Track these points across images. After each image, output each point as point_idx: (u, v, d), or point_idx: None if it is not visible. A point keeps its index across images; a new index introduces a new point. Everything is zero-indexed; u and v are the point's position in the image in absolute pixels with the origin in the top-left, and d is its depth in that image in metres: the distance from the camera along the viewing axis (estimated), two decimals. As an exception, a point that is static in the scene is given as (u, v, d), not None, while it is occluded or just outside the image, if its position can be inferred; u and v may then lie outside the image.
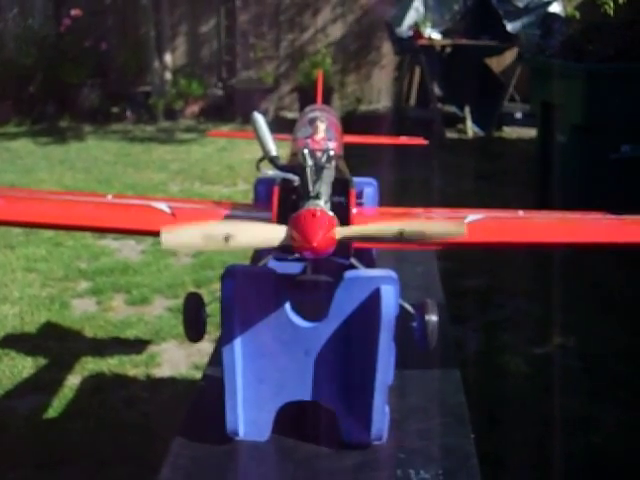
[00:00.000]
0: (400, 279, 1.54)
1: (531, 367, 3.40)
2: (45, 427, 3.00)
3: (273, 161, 1.19)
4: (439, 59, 8.52)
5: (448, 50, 8.59)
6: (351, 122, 8.84)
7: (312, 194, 1.10)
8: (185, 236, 1.04)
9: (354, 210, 1.17)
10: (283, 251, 1.15)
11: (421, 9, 8.07)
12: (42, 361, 3.52)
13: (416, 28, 8.01)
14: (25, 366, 3.48)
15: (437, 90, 8.60)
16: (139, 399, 3.21)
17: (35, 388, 3.31)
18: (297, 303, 1.29)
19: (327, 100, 9.15)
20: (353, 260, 1.29)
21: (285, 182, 1.15)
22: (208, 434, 1.36)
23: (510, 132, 8.57)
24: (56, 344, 3.70)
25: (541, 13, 7.40)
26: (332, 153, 1.18)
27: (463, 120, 8.53)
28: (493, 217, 1.47)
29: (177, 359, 3.51)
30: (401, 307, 1.36)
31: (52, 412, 3.10)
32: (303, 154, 1.09)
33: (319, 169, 1.13)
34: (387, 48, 9.43)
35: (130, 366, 3.47)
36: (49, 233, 5.09)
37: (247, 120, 9.08)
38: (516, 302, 4.11)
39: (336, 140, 1.58)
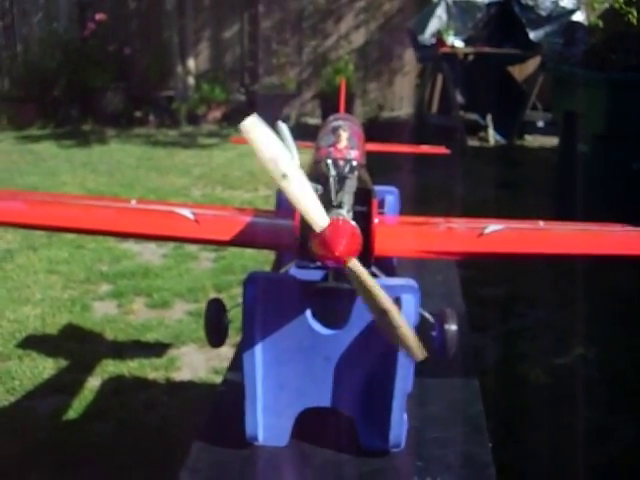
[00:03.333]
0: (420, 288, 1.55)
1: (550, 377, 3.39)
2: (65, 428, 3.02)
3: (298, 170, 1.20)
4: (461, 67, 8.51)
5: (470, 58, 8.59)
6: (373, 129, 8.88)
7: (335, 203, 1.11)
8: (263, 138, 1.05)
9: (375, 220, 1.18)
10: (304, 258, 1.16)
11: (444, 17, 8.07)
12: (63, 362, 3.55)
13: (439, 36, 8.01)
14: (46, 367, 3.51)
15: (459, 98, 8.59)
16: (159, 402, 3.23)
17: (56, 389, 3.33)
18: (318, 310, 1.31)
19: (349, 107, 9.16)
20: (374, 269, 1.31)
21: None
22: (227, 439, 1.37)
23: (532, 140, 8.55)
24: (77, 346, 3.73)
25: (564, 22, 7.39)
26: (355, 163, 1.19)
27: (485, 128, 8.51)
28: (513, 228, 1.47)
29: (197, 363, 3.53)
30: (421, 316, 1.37)
31: (72, 413, 3.12)
32: (327, 164, 1.10)
33: (342, 179, 1.15)
34: (409, 55, 9.43)
35: (150, 369, 3.49)
36: (71, 236, 5.12)
37: (270, 125, 9.14)
38: (536, 312, 4.10)
39: (359, 149, 1.59)
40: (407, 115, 9.53)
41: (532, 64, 8.56)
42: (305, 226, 1.07)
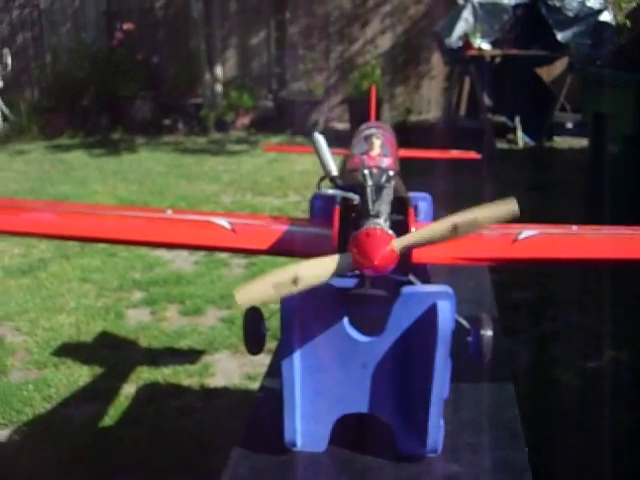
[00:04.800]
0: (456, 293, 1.55)
1: (582, 380, 3.38)
2: (101, 435, 3.06)
3: (334, 180, 1.23)
4: (489, 69, 8.49)
5: (498, 60, 8.56)
6: (401, 133, 8.87)
7: (372, 213, 1.13)
8: (257, 290, 1.08)
9: (413, 228, 1.20)
10: (350, 273, 1.18)
11: (470, 20, 8.06)
12: (98, 370, 3.59)
13: (466, 39, 8.00)
14: (81, 375, 3.56)
15: (487, 100, 8.58)
16: (193, 409, 3.26)
17: (91, 397, 3.38)
18: (355, 317, 1.32)
19: (377, 111, 9.18)
20: (411, 276, 1.32)
21: (345, 201, 1.19)
22: (266, 445, 1.39)
23: (561, 142, 8.51)
24: (111, 353, 3.77)
25: (591, 22, 7.36)
26: (391, 173, 1.21)
27: (513, 130, 8.50)
28: (547, 233, 1.48)
29: (230, 369, 3.56)
30: (457, 322, 1.39)
31: (108, 420, 3.16)
32: (363, 174, 1.12)
33: (379, 189, 1.17)
34: (436, 59, 9.44)
35: (184, 376, 3.52)
36: (103, 244, 5.18)
37: (297, 131, 9.26)
38: (568, 315, 4.09)
39: (391, 156, 1.61)
40: (435, 118, 9.53)
41: (560, 65, 8.52)
42: (343, 236, 1.09)
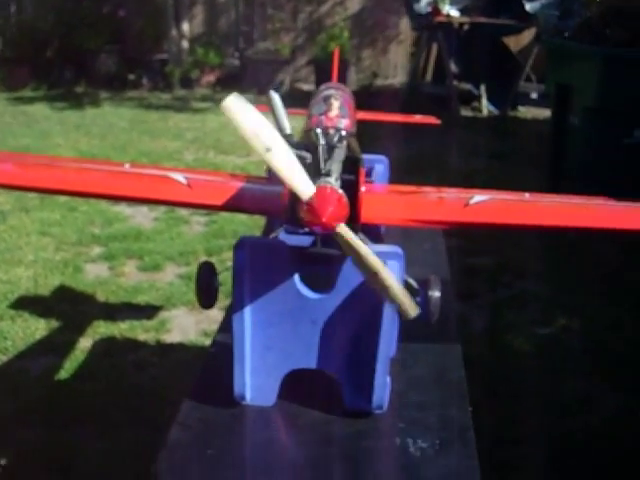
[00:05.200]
0: (407, 255, 1.58)
1: (534, 347, 3.45)
2: (57, 388, 3.07)
3: (287, 139, 1.24)
4: (457, 36, 8.49)
5: (466, 28, 8.57)
6: (367, 96, 8.87)
7: (323, 172, 1.14)
8: (245, 114, 1.07)
9: (362, 188, 1.22)
10: (293, 224, 1.20)
11: (440, -14, 8.06)
12: (55, 324, 3.59)
13: (434, 5, 8.00)
14: (38, 328, 3.55)
15: (453, 67, 8.58)
16: (149, 363, 3.28)
17: (47, 350, 3.38)
18: (306, 275, 1.35)
19: (343, 74, 9.14)
20: (361, 236, 1.34)
21: (298, 159, 1.20)
22: (216, 398, 1.42)
23: (525, 112, 8.55)
24: (69, 307, 3.77)
25: (560, -7, 7.38)
26: (344, 133, 1.22)
27: (479, 98, 8.52)
28: (499, 199, 1.51)
29: (187, 325, 3.58)
30: (406, 282, 1.41)
31: (64, 374, 3.17)
32: (316, 133, 1.14)
33: (331, 148, 1.18)
34: (405, 24, 9.41)
35: (141, 331, 3.54)
36: (63, 198, 5.14)
37: (263, 91, 9.18)
38: (523, 282, 4.15)
39: (350, 117, 1.62)
40: (401, 83, 9.51)
41: (528, 35, 8.53)
42: (294, 193, 1.10)
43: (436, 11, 8.00)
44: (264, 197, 1.40)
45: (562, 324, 3.68)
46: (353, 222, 1.18)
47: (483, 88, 8.41)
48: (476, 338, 3.45)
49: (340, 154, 1.20)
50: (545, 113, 7.45)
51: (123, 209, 5.13)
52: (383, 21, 9.75)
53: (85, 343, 3.42)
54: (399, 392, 1.46)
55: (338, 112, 1.55)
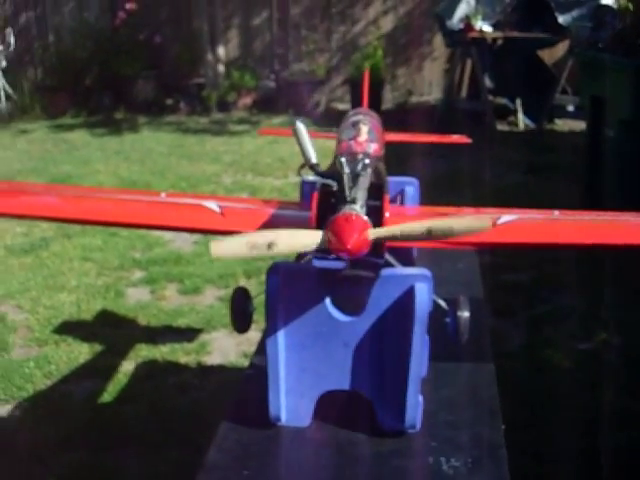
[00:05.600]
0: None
1: (573, 362, 3.44)
2: (100, 411, 3.13)
3: (313, 168, 1.28)
4: (490, 51, 8.51)
5: (499, 42, 8.58)
6: (402, 114, 8.90)
7: (349, 199, 1.18)
8: (232, 246, 1.12)
9: (387, 214, 1.25)
10: (321, 253, 1.23)
11: (472, 2, 8.06)
12: (97, 347, 3.66)
13: (467, 21, 8.01)
14: (81, 352, 3.62)
15: (488, 82, 8.58)
16: (190, 386, 3.33)
17: (91, 373, 3.45)
18: (337, 298, 1.38)
19: (378, 92, 9.20)
20: (389, 258, 1.37)
21: (324, 187, 1.24)
22: (253, 419, 1.45)
23: (562, 125, 8.53)
24: (111, 331, 3.84)
25: (593, 5, 7.34)
26: (368, 161, 1.26)
27: (514, 112, 8.51)
28: (526, 218, 1.53)
29: (227, 347, 3.63)
30: (436, 303, 1.44)
31: (107, 397, 3.24)
32: (340, 162, 1.17)
33: (355, 176, 1.22)
34: (438, 40, 9.43)
35: (182, 353, 3.59)
36: (104, 224, 5.21)
37: (299, 112, 9.27)
38: (561, 297, 4.13)
39: (378, 142, 1.66)
40: (436, 100, 9.53)
41: (562, 48, 8.53)
42: (321, 219, 1.14)
43: (469, 27, 8.02)
44: (293, 223, 1.44)
45: (601, 339, 3.66)
46: (379, 247, 1.21)
47: (519, 102, 8.41)
48: (514, 354, 3.45)
49: (365, 181, 1.24)
50: (582, 125, 7.40)
51: (163, 234, 5.20)
52: (416, 38, 9.79)
53: (127, 366, 3.48)
54: (431, 411, 1.48)
55: (367, 137, 1.59)
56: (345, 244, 1.10)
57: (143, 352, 3.61)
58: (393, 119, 8.41)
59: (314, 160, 1.29)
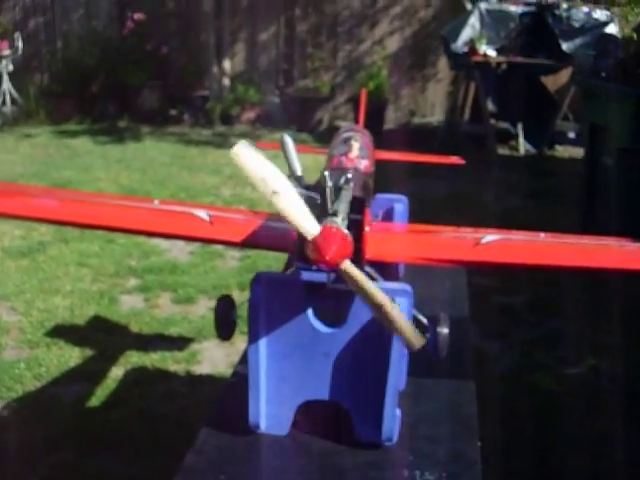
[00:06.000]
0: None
1: (562, 386, 3.45)
2: (88, 415, 3.15)
3: (298, 180, 1.31)
4: (494, 76, 8.55)
5: (503, 67, 8.63)
6: (404, 134, 8.94)
7: (330, 211, 1.21)
8: (252, 159, 1.14)
9: (367, 228, 1.28)
10: (301, 261, 1.26)
11: (477, 26, 8.11)
12: (88, 352, 3.69)
13: (471, 44, 8.06)
14: (72, 356, 3.65)
15: (491, 106, 8.63)
16: (178, 393, 3.36)
17: (81, 377, 3.47)
18: (319, 309, 1.41)
19: (381, 112, 9.25)
20: (371, 271, 1.40)
21: (308, 199, 1.27)
22: (233, 426, 1.48)
23: (562, 151, 8.56)
24: (103, 337, 3.87)
25: (597, 34, 7.40)
26: (350, 176, 1.29)
27: (516, 137, 8.55)
28: (510, 239, 1.55)
29: (217, 358, 3.65)
30: (415, 318, 1.46)
31: (95, 401, 3.26)
32: (324, 176, 1.20)
33: (337, 190, 1.25)
34: (443, 62, 9.48)
35: (172, 362, 3.61)
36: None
37: (302, 128, 9.32)
38: (553, 321, 4.16)
39: (369, 159, 1.70)
40: (439, 122, 9.56)
41: (566, 75, 8.57)
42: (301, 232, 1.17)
43: (473, 51, 8.06)
44: (278, 235, 1.46)
45: (591, 364, 3.68)
46: (358, 260, 1.24)
47: (520, 127, 8.44)
48: (503, 377, 3.47)
49: (347, 195, 1.26)
50: (582, 152, 7.46)
51: (160, 242, 5.23)
52: (421, 60, 9.85)
53: (117, 372, 3.50)
54: (411, 425, 1.50)
55: (358, 153, 1.63)
56: (324, 255, 1.12)
57: (133, 359, 3.63)
58: (395, 139, 8.48)
59: (299, 173, 1.32)
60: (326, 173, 1.17)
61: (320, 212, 1.18)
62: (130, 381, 3.43)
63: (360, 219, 1.27)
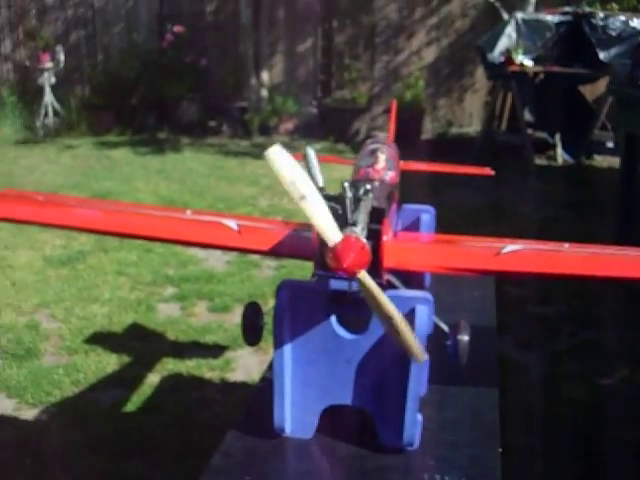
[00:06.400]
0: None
1: (593, 397, 3.44)
2: (123, 420, 3.22)
3: (319, 191, 1.36)
4: (531, 85, 8.52)
5: (540, 77, 8.60)
6: (441, 145, 8.96)
7: (350, 221, 1.25)
8: (285, 164, 1.20)
9: (385, 237, 1.32)
10: (321, 269, 1.31)
11: (513, 35, 8.09)
12: (126, 359, 3.76)
13: (508, 54, 8.04)
14: (109, 362, 3.73)
15: (528, 116, 8.60)
16: (213, 400, 3.41)
17: (117, 383, 3.55)
18: (343, 316, 1.45)
19: (418, 122, 9.27)
20: (393, 279, 1.44)
21: (330, 210, 1.31)
22: (259, 429, 1.52)
23: (601, 161, 8.49)
24: (140, 344, 3.94)
25: (634, 42, 7.35)
26: (368, 187, 1.33)
27: (553, 147, 8.51)
28: (532, 249, 1.58)
29: (251, 365, 3.70)
30: (437, 326, 1.50)
31: (131, 406, 3.33)
32: (344, 187, 1.25)
33: (357, 200, 1.29)
34: (480, 73, 9.47)
35: (207, 369, 3.68)
36: (141, 240, 5.34)
37: (340, 139, 9.38)
38: (586, 331, 4.14)
39: (395, 170, 1.74)
40: (476, 132, 9.54)
41: (603, 84, 8.50)
42: (322, 240, 1.21)
43: (509, 61, 8.04)
44: (301, 243, 1.51)
45: (623, 375, 3.66)
46: (376, 268, 1.28)
47: (558, 137, 8.40)
48: (533, 386, 3.47)
49: (366, 206, 1.31)
50: (620, 162, 7.41)
51: (197, 252, 5.30)
52: (458, 70, 9.84)
53: (153, 378, 3.57)
54: (433, 431, 1.54)
55: (384, 165, 1.67)
56: (342, 263, 1.17)
57: (169, 366, 3.69)
58: (432, 149, 8.50)
59: (320, 184, 1.37)
60: (346, 184, 1.21)
61: (341, 222, 1.23)
62: (166, 388, 3.50)
63: (379, 229, 1.31)
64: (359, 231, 1.23)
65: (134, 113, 10.08)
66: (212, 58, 10.26)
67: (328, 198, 1.27)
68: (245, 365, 3.71)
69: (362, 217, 1.27)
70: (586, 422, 3.16)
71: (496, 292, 2.28)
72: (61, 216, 1.75)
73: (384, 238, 1.30)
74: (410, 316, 1.39)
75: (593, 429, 3.08)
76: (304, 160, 1.40)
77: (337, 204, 1.27)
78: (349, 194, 1.23)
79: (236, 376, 3.62)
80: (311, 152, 1.38)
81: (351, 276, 1.20)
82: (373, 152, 1.75)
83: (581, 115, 8.36)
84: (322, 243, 1.21)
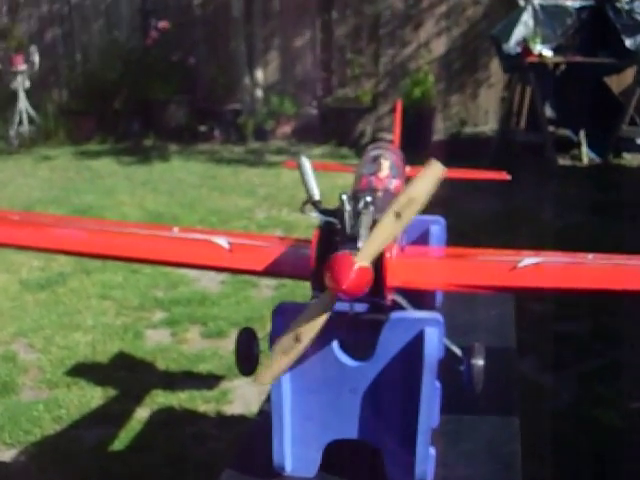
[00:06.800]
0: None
1: (625, 421, 3.44)
2: (109, 460, 3.22)
3: (315, 205, 1.36)
4: (551, 78, 8.51)
5: (561, 68, 8.60)
6: (455, 146, 8.94)
7: (350, 237, 1.26)
8: (274, 367, 1.26)
9: (388, 254, 1.32)
10: (319, 289, 1.31)
11: (530, 23, 8.08)
12: (112, 392, 3.76)
13: (525, 44, 8.02)
14: (94, 396, 3.73)
15: (549, 112, 8.59)
16: (208, 436, 3.41)
17: (103, 419, 3.55)
18: (345, 341, 1.45)
19: (428, 121, 9.27)
20: (399, 299, 1.44)
21: (328, 224, 1.32)
22: (257, 468, 1.53)
23: (631, 159, 8.48)
24: (127, 375, 3.95)
25: (663, 29, 7.38)
26: (369, 199, 1.34)
27: (578, 145, 8.50)
28: (551, 262, 1.58)
29: (249, 396, 3.69)
30: (450, 350, 1.50)
31: (118, 444, 3.33)
32: (342, 200, 1.26)
33: (356, 214, 1.30)
34: (496, 65, 9.45)
35: (201, 401, 3.68)
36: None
37: (343, 142, 9.37)
38: (616, 351, 4.13)
39: (400, 178, 1.75)
40: (492, 131, 9.53)
41: (630, 74, 8.51)
42: (319, 259, 1.22)
43: (527, 51, 8.01)
44: (298, 262, 1.52)
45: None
46: (379, 288, 1.29)
47: (583, 134, 8.39)
48: (561, 412, 3.47)
49: (367, 219, 1.31)
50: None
51: (188, 272, 5.29)
52: (471, 63, 9.84)
53: (142, 413, 3.57)
54: (448, 465, 1.54)
55: (388, 172, 1.68)
56: (340, 284, 1.17)
57: (160, 399, 3.70)
58: (444, 152, 8.48)
59: (317, 197, 1.38)
60: (344, 197, 1.22)
61: (340, 237, 1.24)
62: (156, 423, 3.50)
63: None
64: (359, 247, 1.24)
65: (117, 119, 10.09)
66: (201, 56, 10.28)
67: (326, 212, 1.28)
68: (243, 396, 3.71)
69: (363, 232, 1.28)
70: (618, 450, 3.16)
71: (516, 309, 2.29)
72: (38, 238, 1.75)
73: (387, 255, 1.30)
74: (419, 339, 1.39)
75: (626, 458, 3.07)
76: (299, 171, 1.41)
77: (336, 218, 1.28)
78: (348, 207, 1.24)
79: (233, 409, 3.62)
80: (306, 162, 1.39)
81: (353, 298, 1.20)
82: (376, 158, 1.76)
83: (607, 109, 8.35)
84: (319, 262, 1.22)
